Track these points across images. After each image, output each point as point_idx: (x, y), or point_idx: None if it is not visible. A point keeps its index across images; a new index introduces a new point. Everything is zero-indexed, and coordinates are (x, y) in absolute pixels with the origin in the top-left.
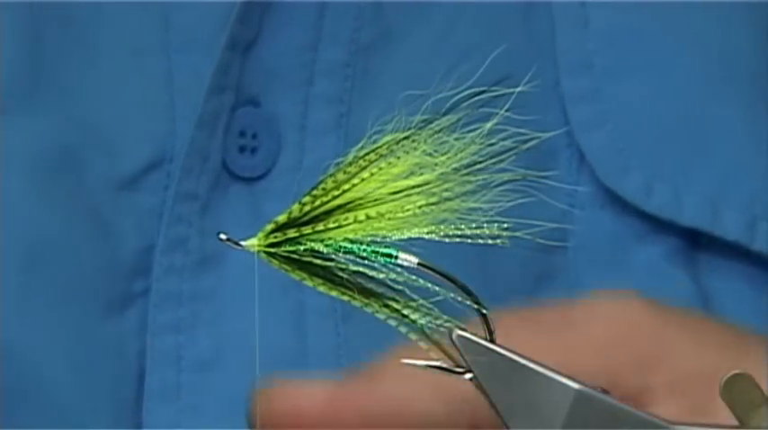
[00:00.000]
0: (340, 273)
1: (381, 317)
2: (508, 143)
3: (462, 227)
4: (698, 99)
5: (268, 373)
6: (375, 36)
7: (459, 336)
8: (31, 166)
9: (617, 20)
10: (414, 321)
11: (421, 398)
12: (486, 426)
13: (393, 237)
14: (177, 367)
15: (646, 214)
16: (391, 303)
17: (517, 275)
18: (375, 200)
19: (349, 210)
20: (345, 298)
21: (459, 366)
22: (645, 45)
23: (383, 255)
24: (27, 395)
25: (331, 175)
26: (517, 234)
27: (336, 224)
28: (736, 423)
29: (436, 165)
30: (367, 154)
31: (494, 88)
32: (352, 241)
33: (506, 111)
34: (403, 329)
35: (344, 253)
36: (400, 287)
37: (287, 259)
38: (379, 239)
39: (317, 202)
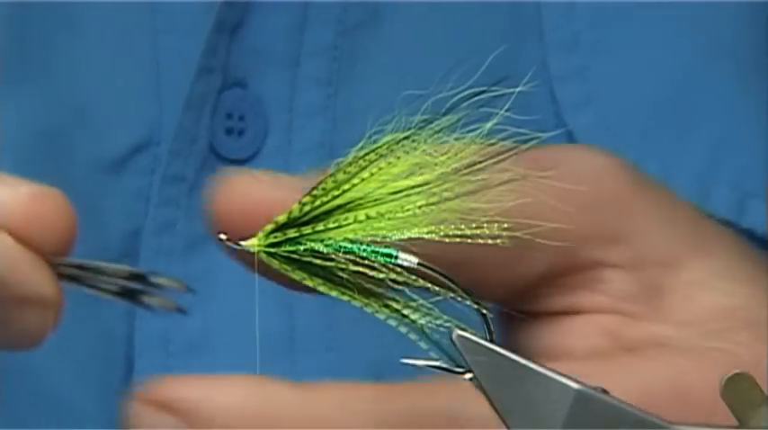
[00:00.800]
0: (340, 273)
1: (381, 317)
2: (508, 143)
3: (462, 227)
4: (686, 76)
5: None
6: (362, 17)
7: (459, 336)
8: (17, 147)
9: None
10: (414, 321)
11: None
12: None
13: (393, 237)
14: (166, 351)
15: None
16: (391, 303)
17: None
18: (375, 200)
19: (349, 210)
20: (345, 298)
21: (459, 366)
22: (632, 22)
23: (383, 255)
24: (15, 379)
25: (331, 175)
26: (517, 234)
27: (336, 224)
28: (735, 423)
29: (436, 165)
30: (367, 154)
31: (494, 88)
32: (352, 241)
33: (504, 109)
34: (403, 329)
35: (344, 253)
36: (400, 287)
37: (287, 259)
38: (379, 239)
39: (317, 202)
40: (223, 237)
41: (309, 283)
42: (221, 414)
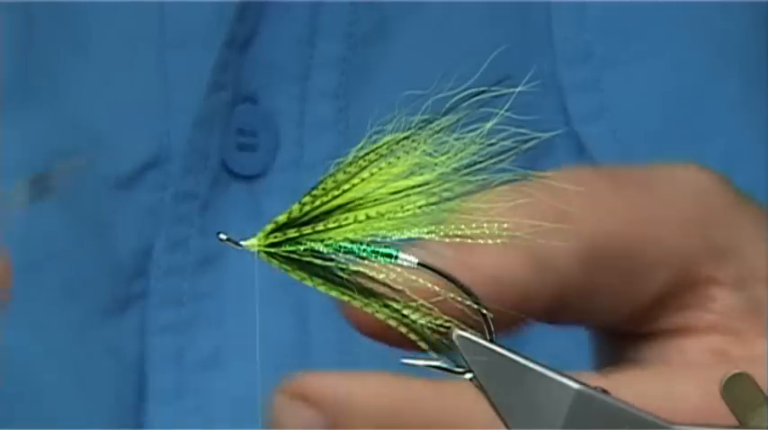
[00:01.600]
0: (340, 273)
1: (381, 317)
2: (508, 143)
3: (462, 227)
4: (697, 86)
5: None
6: (371, 29)
7: (459, 336)
8: (28, 167)
9: (612, 9)
10: (414, 321)
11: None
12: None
13: (393, 237)
14: (179, 367)
15: None
16: (391, 303)
17: None
18: (375, 200)
19: (349, 210)
20: (345, 298)
21: (459, 366)
22: (642, 33)
23: (383, 255)
24: (26, 398)
25: (331, 175)
26: (517, 234)
27: (336, 224)
28: (735, 423)
29: (436, 165)
30: (367, 154)
31: (494, 88)
32: (352, 241)
33: (506, 110)
34: (403, 329)
35: (344, 253)
36: (400, 287)
37: (287, 259)
38: (379, 239)
39: (317, 202)
40: (223, 236)
41: (309, 283)
42: (363, 410)
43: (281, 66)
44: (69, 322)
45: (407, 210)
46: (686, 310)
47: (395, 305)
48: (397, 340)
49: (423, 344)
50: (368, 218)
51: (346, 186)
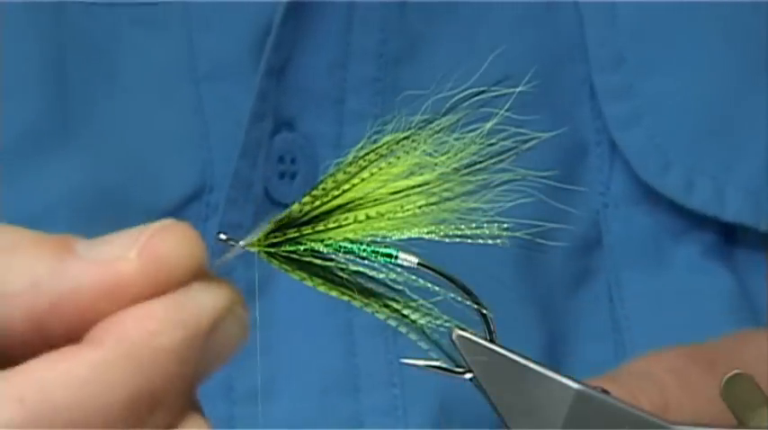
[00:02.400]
0: (340, 273)
1: (381, 317)
2: (510, 142)
3: (462, 227)
4: (731, 91)
5: (319, 396)
6: (402, 48)
7: (459, 336)
8: (70, 206)
9: (645, 14)
10: (414, 321)
11: None
12: None
13: (393, 237)
14: (228, 399)
15: (682, 210)
16: (391, 303)
17: (558, 275)
18: (375, 200)
19: (349, 210)
20: (345, 298)
21: (459, 366)
22: (674, 39)
23: (383, 255)
24: None
25: (331, 175)
26: (517, 234)
27: (336, 224)
28: (735, 423)
29: (436, 165)
30: (367, 154)
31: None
32: (352, 241)
33: (517, 107)
34: (403, 329)
35: (344, 253)
36: (400, 287)
37: (287, 259)
38: (378, 239)
39: (318, 203)
40: (223, 236)
41: (309, 283)
42: None
43: (316, 90)
44: None
45: (407, 209)
46: None
47: (395, 305)
48: None
49: (423, 345)
50: (368, 218)
51: (346, 186)
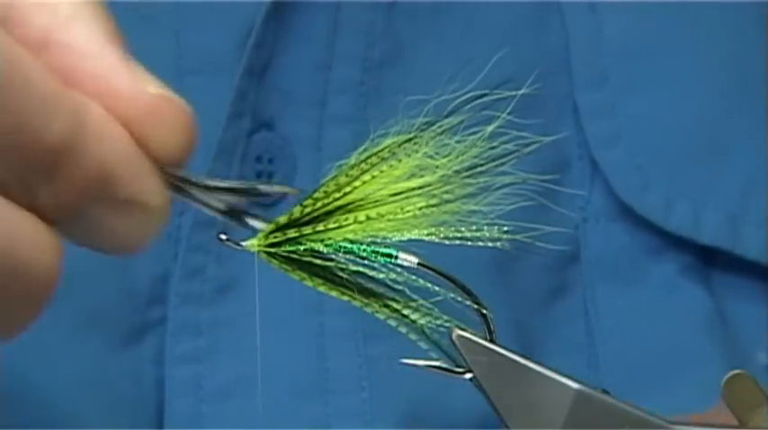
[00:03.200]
0: (340, 273)
1: (381, 316)
2: (510, 146)
3: (462, 229)
4: (714, 113)
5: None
6: (387, 53)
7: (459, 336)
8: None
9: (630, 34)
10: (414, 321)
11: None
12: None
13: (393, 238)
14: (197, 397)
15: (661, 229)
16: (391, 303)
17: (533, 288)
18: (375, 201)
19: (349, 211)
20: (345, 298)
21: (459, 366)
22: (658, 59)
23: (383, 254)
24: (46, 426)
25: (332, 178)
26: (517, 237)
27: (336, 224)
28: (736, 423)
29: (437, 167)
30: (369, 157)
31: (496, 91)
32: (351, 241)
33: (510, 114)
34: (403, 329)
35: (344, 253)
36: (400, 287)
37: (287, 259)
38: (378, 240)
39: (318, 203)
40: (223, 236)
41: (309, 283)
42: None
43: (297, 91)
44: (88, 349)
45: (408, 211)
46: None
47: (395, 305)
48: None
49: (423, 345)
50: (368, 218)
51: (347, 188)
